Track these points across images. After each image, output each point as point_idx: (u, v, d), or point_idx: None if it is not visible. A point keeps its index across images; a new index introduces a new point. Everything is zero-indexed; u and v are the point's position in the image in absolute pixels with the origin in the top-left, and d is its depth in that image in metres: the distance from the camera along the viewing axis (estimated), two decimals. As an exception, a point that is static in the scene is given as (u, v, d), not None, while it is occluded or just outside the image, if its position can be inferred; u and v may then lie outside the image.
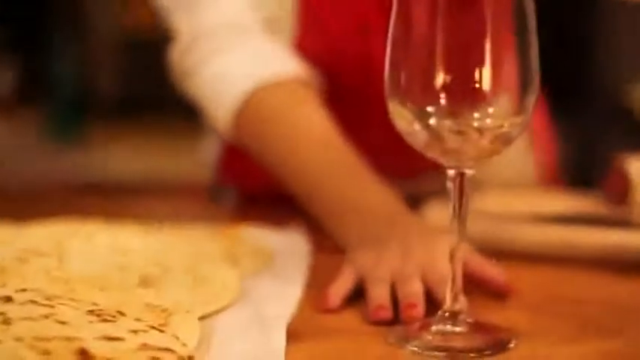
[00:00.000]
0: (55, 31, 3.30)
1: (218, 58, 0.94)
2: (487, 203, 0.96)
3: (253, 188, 1.12)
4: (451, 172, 0.60)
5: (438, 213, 0.89)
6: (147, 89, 3.14)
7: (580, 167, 2.28)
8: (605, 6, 2.91)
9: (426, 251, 0.71)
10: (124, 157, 2.68)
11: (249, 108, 0.91)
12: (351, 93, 1.01)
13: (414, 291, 0.67)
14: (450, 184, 0.60)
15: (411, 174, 1.08)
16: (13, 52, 3.19)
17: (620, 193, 0.97)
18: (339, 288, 0.70)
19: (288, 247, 0.85)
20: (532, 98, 0.58)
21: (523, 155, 1.12)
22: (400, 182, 0.98)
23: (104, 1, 3.48)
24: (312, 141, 0.87)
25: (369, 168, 0.83)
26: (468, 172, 0.60)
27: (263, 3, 0.97)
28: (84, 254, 0.73)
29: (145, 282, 0.69)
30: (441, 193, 0.93)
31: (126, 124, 3.04)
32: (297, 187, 0.86)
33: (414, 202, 0.93)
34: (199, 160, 1.26)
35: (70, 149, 2.76)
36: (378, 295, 0.67)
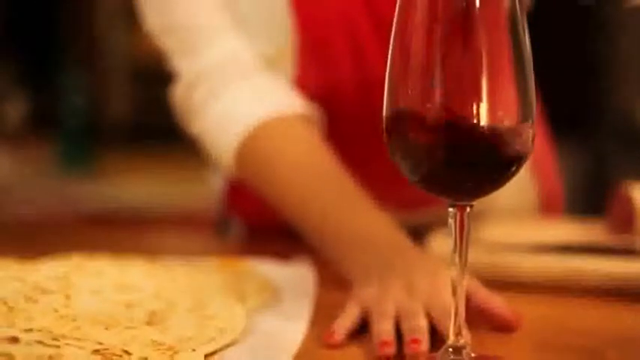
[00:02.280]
0: (64, 61, 3.32)
1: (218, 98, 0.96)
2: (489, 233, 0.96)
3: (259, 220, 1.13)
4: (451, 209, 0.61)
5: (443, 244, 0.89)
6: (157, 119, 3.16)
7: (589, 191, 2.28)
8: (613, 26, 2.91)
9: (429, 285, 0.71)
10: (136, 186, 2.69)
11: (250, 146, 0.93)
12: (350, 125, 1.01)
13: (418, 326, 0.67)
14: (450, 219, 0.61)
15: (415, 205, 1.08)
16: (23, 84, 3.22)
17: (625, 221, 0.97)
18: (344, 323, 0.70)
19: (294, 281, 0.85)
20: (531, 129, 0.59)
21: (525, 184, 1.12)
22: (404, 213, 0.98)
23: (113, 31, 3.51)
24: (314, 176, 0.87)
25: (371, 200, 0.84)
26: (469, 207, 0.60)
27: (260, 40, 0.98)
28: (91, 292, 0.74)
29: (151, 319, 0.70)
30: (445, 223, 0.94)
31: (137, 154, 3.05)
32: (301, 221, 0.87)
33: (419, 233, 0.94)
34: (207, 191, 1.27)
35: (81, 180, 2.77)
36: (383, 330, 0.67)
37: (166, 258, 0.92)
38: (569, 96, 2.44)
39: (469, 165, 0.57)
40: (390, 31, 0.60)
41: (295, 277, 0.86)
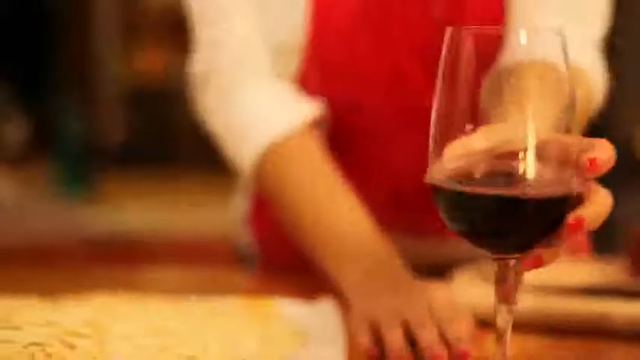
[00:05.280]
0: (60, 84, 3.32)
1: (240, 96, 1.00)
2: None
3: (278, 248, 1.13)
4: (495, 261, 0.60)
5: (468, 287, 0.90)
6: (155, 140, 3.16)
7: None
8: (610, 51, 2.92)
9: (424, 297, 0.77)
10: (135, 209, 2.68)
11: (267, 163, 0.98)
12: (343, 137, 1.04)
13: (434, 339, 0.72)
14: (495, 273, 0.60)
15: (429, 230, 1.08)
16: (19, 108, 3.21)
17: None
18: (364, 339, 0.76)
19: (322, 323, 0.84)
20: (578, 182, 0.58)
21: None
22: (420, 241, 1.04)
23: (109, 53, 3.50)
24: (325, 205, 0.94)
25: (373, 223, 0.90)
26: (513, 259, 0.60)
27: (277, 27, 1.00)
28: (122, 337, 0.73)
29: (187, 365, 0.70)
30: (468, 260, 0.94)
31: (136, 176, 3.04)
32: (309, 243, 0.94)
33: (440, 269, 0.94)
34: (230, 217, 1.26)
35: (80, 203, 2.75)
36: (395, 339, 0.73)
37: (189, 297, 0.91)
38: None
39: (517, 221, 0.57)
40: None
41: (323, 319, 0.85)
